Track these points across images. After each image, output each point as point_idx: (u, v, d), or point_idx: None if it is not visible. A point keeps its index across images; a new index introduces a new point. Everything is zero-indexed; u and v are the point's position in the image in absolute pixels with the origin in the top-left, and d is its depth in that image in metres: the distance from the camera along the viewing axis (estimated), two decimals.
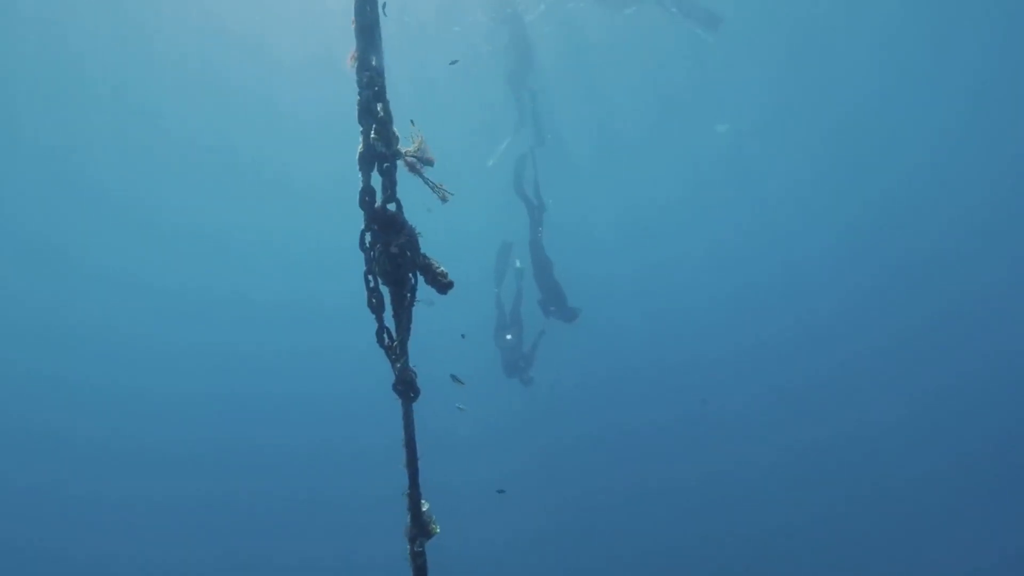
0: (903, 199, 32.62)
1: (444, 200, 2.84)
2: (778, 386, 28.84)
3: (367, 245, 2.50)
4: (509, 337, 13.95)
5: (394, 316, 2.53)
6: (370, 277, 2.52)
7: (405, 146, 2.71)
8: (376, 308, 2.54)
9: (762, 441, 25.77)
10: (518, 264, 14.44)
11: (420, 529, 2.43)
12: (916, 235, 32.48)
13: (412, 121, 2.88)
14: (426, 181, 2.77)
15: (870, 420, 25.66)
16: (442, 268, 2.43)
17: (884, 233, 33.32)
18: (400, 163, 2.71)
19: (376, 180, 2.66)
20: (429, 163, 2.72)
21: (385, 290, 2.59)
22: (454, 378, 7.17)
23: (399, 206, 2.58)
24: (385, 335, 2.57)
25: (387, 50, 2.68)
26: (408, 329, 2.55)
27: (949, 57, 26.09)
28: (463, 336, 11.71)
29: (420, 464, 2.63)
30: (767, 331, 32.12)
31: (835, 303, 32.29)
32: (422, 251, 2.44)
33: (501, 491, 7.99)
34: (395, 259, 2.38)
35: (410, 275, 2.57)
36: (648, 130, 30.70)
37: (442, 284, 2.41)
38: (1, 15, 20.22)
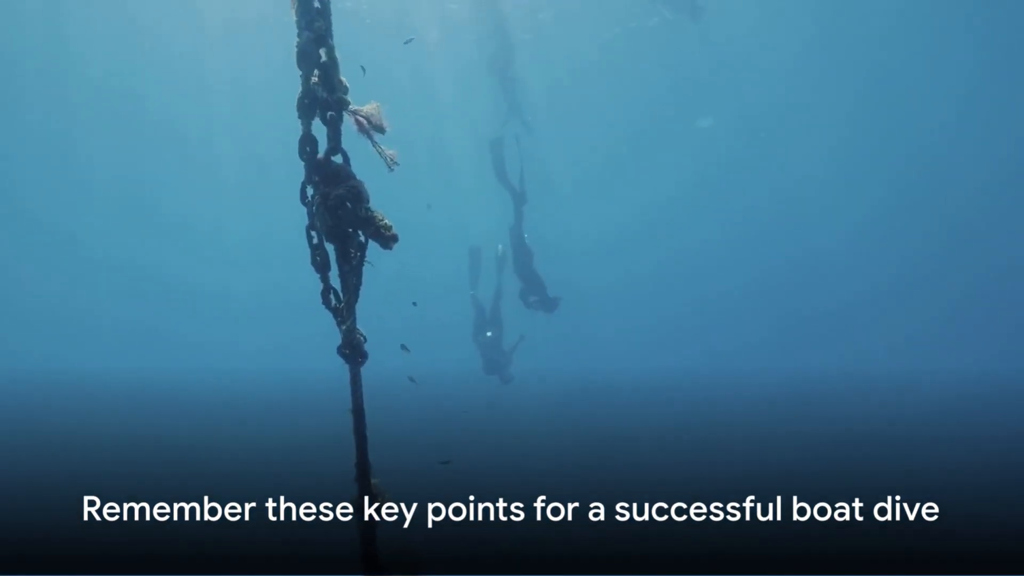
0: (904, 200, 32.70)
1: (391, 169, 2.72)
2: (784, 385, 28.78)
3: (308, 199, 2.35)
4: (489, 335, 13.76)
5: (340, 276, 2.38)
6: (312, 233, 2.37)
7: (360, 105, 2.58)
8: (320, 267, 2.39)
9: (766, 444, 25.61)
10: (500, 248, 14.25)
11: (369, 499, 2.29)
12: (921, 234, 32.51)
13: (363, 68, 2.73)
14: (375, 145, 2.64)
15: (875, 422, 25.63)
16: (386, 221, 2.28)
17: (893, 231, 33.35)
18: (350, 122, 2.58)
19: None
20: (380, 130, 2.58)
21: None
22: (403, 348, 7.18)
23: (346, 158, 2.43)
24: (332, 296, 2.42)
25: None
26: (356, 289, 2.40)
27: (953, 45, 25.75)
28: (415, 304, 11.67)
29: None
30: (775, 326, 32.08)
31: (841, 300, 32.30)
32: (367, 204, 2.28)
33: (446, 462, 7.89)
34: (335, 212, 2.23)
35: (359, 233, 2.43)
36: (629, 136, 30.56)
37: (385, 238, 2.27)
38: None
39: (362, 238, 2.44)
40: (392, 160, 2.65)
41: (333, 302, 2.41)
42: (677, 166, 33.51)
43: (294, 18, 2.36)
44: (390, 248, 2.30)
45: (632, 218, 36.49)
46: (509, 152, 14.42)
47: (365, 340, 2.42)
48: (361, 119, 2.54)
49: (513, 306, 15.09)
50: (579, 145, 31.02)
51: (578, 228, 35.52)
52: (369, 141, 2.62)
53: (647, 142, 31.57)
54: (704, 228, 36.92)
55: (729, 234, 36.52)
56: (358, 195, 2.26)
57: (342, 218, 2.24)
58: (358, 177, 2.49)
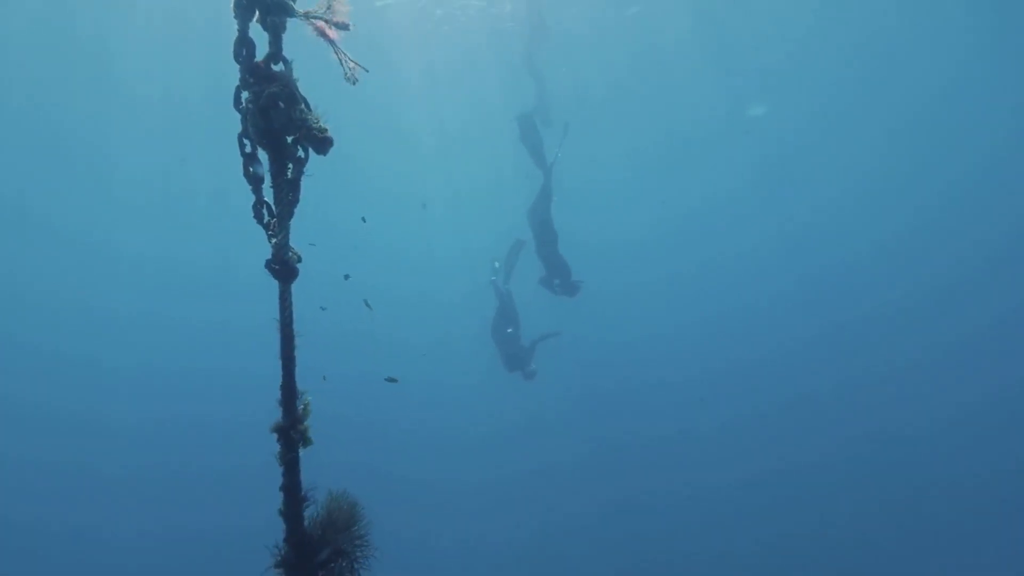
0: (938, 214, 31.67)
1: (352, 80, 2.53)
2: (805, 394, 28.19)
3: (242, 104, 2.21)
4: (510, 331, 13.37)
5: (273, 187, 2.24)
6: (245, 141, 2.23)
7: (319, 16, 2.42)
8: (253, 178, 2.25)
9: (787, 449, 25.13)
10: (516, 241, 13.90)
11: (292, 423, 2.15)
12: (958, 245, 31.45)
13: None
14: (337, 51, 2.45)
15: (897, 429, 24.96)
16: (321, 123, 2.12)
17: (921, 242, 32.40)
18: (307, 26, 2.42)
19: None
20: (344, 27, 2.39)
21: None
22: (366, 303, 7.36)
23: (287, 65, 2.28)
24: (265, 211, 2.28)
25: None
26: (290, 204, 2.25)
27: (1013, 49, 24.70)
28: (363, 220, 11.66)
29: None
30: (795, 338, 31.43)
31: (869, 309, 31.46)
32: (301, 105, 2.12)
33: (392, 379, 7.79)
34: (266, 112, 2.08)
35: (297, 146, 2.28)
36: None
37: (318, 140, 2.11)
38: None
39: (302, 153, 2.30)
40: (358, 69, 2.45)
41: (266, 217, 2.27)
42: (720, 169, 32.88)
43: None
44: (325, 153, 2.14)
45: (669, 222, 35.96)
46: (550, 135, 14.03)
47: (299, 259, 2.28)
48: (320, 23, 2.35)
49: (538, 301, 14.82)
50: (618, 145, 30.61)
51: (616, 229, 35.16)
52: (332, 48, 2.43)
53: (692, 141, 30.99)
54: (740, 233, 36.21)
55: (768, 238, 35.79)
56: (292, 95, 2.11)
57: (274, 119, 2.09)
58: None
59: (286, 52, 2.42)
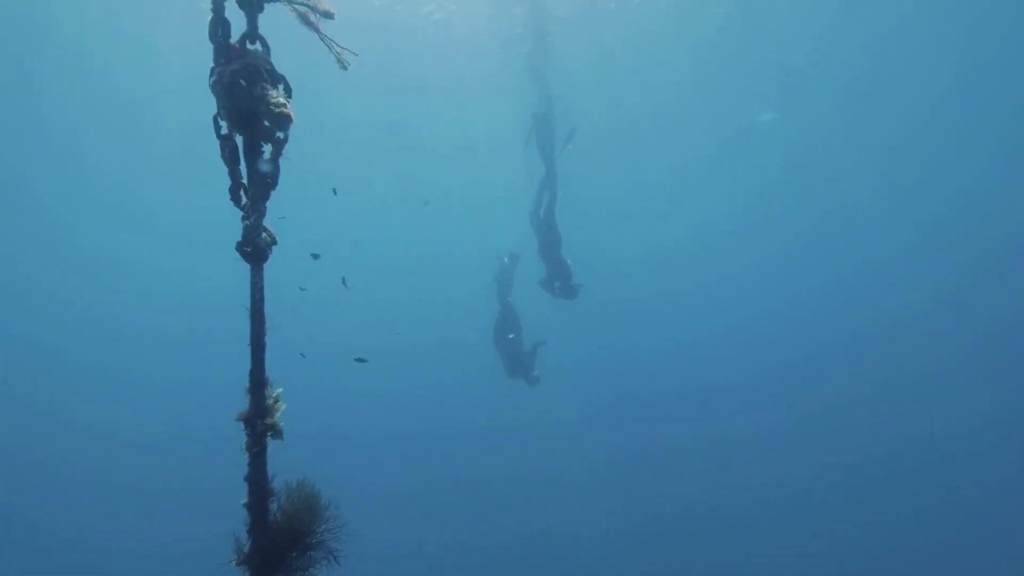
0: (953, 217, 31.31)
1: (343, 66, 2.50)
2: (811, 402, 27.84)
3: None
4: (512, 336, 13.24)
5: (247, 169, 2.17)
6: (222, 123, 2.17)
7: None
8: (230, 159, 2.19)
9: (805, 457, 24.78)
10: (510, 254, 13.78)
11: (259, 412, 2.05)
12: (974, 248, 31.03)
13: None
14: (323, 39, 2.43)
15: (916, 434, 24.51)
16: (279, 99, 2.06)
17: (938, 246, 32.01)
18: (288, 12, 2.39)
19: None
20: (327, 15, 2.37)
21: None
22: (343, 282, 7.48)
23: (265, 46, 2.23)
24: (242, 193, 2.21)
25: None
26: (267, 187, 2.18)
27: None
28: (334, 191, 11.69)
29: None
30: (799, 347, 31.10)
31: (886, 315, 31.06)
32: (263, 82, 2.06)
33: (361, 360, 7.74)
34: (230, 90, 2.02)
35: (277, 130, 2.22)
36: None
37: (275, 116, 2.05)
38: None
39: (281, 134, 2.24)
40: (344, 59, 2.44)
41: (243, 199, 2.20)
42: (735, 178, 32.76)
43: None
44: (284, 129, 2.08)
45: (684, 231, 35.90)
46: (558, 135, 13.90)
47: (274, 242, 2.20)
48: (303, 9, 2.33)
49: (540, 304, 14.61)
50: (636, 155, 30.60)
51: (630, 238, 35.14)
52: (317, 36, 2.41)
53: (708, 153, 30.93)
54: (747, 242, 36.00)
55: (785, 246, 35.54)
56: (254, 72, 2.05)
57: (239, 97, 2.03)
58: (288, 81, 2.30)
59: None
